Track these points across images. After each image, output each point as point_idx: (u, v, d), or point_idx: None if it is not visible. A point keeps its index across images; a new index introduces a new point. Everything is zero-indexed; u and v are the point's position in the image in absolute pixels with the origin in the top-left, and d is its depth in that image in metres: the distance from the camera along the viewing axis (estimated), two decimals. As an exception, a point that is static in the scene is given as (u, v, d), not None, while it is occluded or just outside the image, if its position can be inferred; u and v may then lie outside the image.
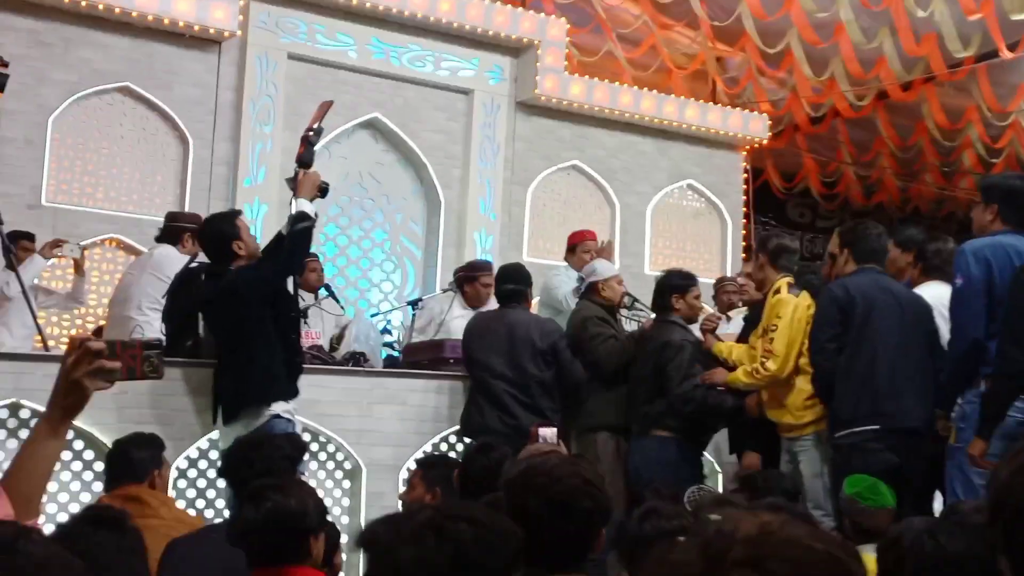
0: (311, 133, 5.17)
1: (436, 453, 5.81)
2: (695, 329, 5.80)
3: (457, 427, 5.97)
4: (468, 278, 6.86)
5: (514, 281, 6.05)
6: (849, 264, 5.01)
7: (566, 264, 7.11)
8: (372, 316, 8.23)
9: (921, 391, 4.74)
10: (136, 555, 2.70)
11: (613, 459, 5.71)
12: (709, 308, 7.00)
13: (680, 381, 5.50)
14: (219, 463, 4.20)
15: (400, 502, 4.75)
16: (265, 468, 3.32)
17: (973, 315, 4.39)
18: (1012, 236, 4.52)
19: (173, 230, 6.42)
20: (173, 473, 5.13)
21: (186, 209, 8.00)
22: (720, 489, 6.11)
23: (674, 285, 5.84)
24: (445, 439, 6.05)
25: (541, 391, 5.74)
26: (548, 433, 4.95)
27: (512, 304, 6.00)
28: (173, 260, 6.05)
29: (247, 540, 2.77)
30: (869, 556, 2.72)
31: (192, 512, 5.10)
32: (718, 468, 6.48)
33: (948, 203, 15.81)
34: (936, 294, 4.98)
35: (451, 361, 6.20)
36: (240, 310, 4.87)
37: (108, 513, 2.77)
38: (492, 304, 6.92)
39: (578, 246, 7.07)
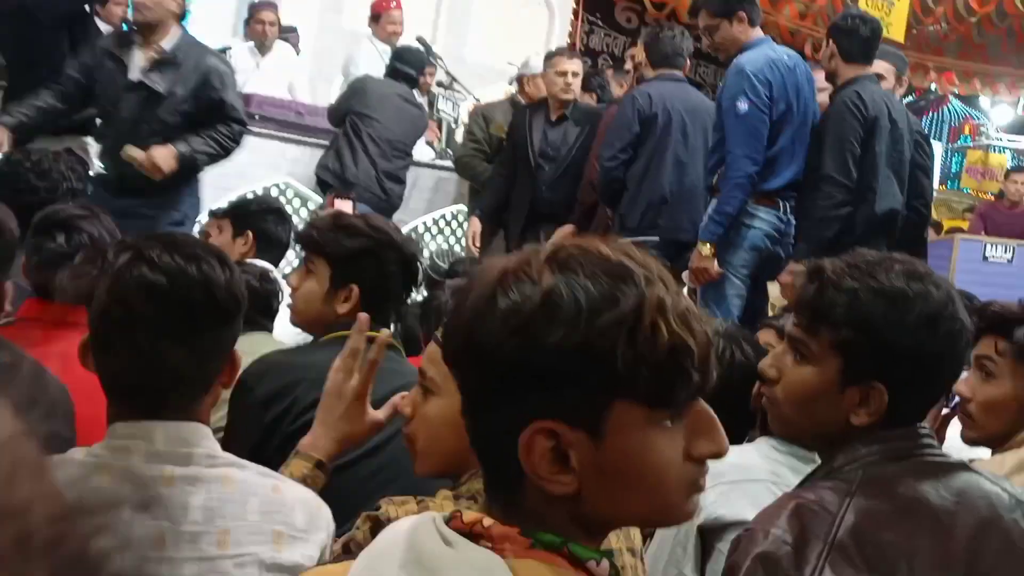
0: None
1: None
2: None
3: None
4: (249, 18, 6.96)
5: (412, 65, 5.98)
6: (648, 70, 4.97)
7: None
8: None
9: (696, 203, 4.68)
10: None
11: None
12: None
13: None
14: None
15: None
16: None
17: (760, 144, 4.11)
18: (768, 44, 4.34)
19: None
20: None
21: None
22: None
23: None
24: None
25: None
26: (344, 205, 4.88)
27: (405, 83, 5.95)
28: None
29: None
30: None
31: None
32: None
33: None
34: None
35: (256, 117, 5.95)
36: (31, 30, 4.49)
37: None
38: (276, 43, 6.88)
39: (382, 16, 6.60)
